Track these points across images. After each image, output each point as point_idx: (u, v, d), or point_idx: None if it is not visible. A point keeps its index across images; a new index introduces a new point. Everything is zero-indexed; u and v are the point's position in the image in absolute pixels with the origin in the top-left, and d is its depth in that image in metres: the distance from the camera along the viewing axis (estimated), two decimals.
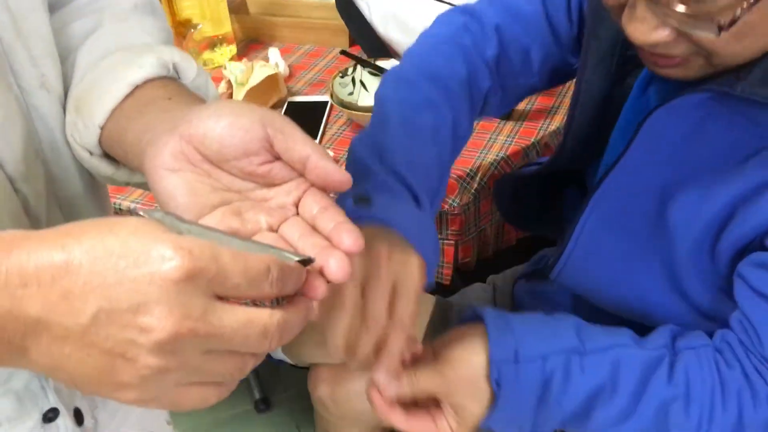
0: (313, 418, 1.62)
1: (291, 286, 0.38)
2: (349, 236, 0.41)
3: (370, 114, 1.09)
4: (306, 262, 0.39)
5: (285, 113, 1.21)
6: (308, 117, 1.20)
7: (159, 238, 0.33)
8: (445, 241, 1.06)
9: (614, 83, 0.72)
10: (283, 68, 1.31)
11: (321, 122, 1.18)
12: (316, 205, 0.43)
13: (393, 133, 0.69)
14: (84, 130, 0.51)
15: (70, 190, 0.56)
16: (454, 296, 1.07)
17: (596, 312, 0.75)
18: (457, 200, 1.03)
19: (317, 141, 1.14)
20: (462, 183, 1.04)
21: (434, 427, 0.63)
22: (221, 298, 0.35)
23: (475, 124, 1.16)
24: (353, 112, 1.12)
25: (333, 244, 0.41)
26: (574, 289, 0.77)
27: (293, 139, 0.42)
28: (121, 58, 0.52)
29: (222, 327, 0.34)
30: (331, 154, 1.10)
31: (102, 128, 0.50)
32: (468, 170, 1.05)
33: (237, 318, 0.35)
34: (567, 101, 1.22)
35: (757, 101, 0.54)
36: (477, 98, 0.78)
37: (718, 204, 0.61)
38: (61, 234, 0.34)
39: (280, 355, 1.38)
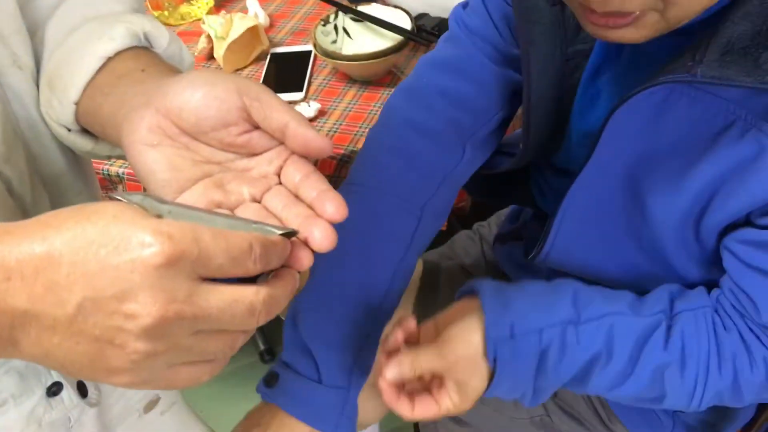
0: None
1: (275, 260, 0.38)
2: (332, 204, 0.41)
3: (355, 62, 1.09)
4: (290, 234, 0.39)
5: (269, 65, 1.19)
6: (292, 68, 1.18)
7: (138, 225, 0.33)
8: None
9: (561, 82, 0.70)
10: (263, 18, 1.28)
11: (306, 73, 1.16)
12: (298, 173, 0.43)
13: (314, 289, 0.72)
14: (59, 107, 0.50)
15: (52, 168, 0.55)
16: (443, 247, 1.07)
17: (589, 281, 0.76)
18: None
19: (303, 92, 1.12)
20: None
21: (437, 408, 0.65)
22: (206, 279, 0.35)
23: None
24: (338, 61, 1.10)
25: (316, 212, 0.41)
26: (562, 268, 0.76)
27: (270, 107, 0.41)
28: (90, 31, 0.51)
29: (208, 308, 0.34)
30: (318, 105, 1.08)
31: (77, 104, 0.49)
32: None
33: (223, 297, 0.35)
34: None
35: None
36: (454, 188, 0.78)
37: (694, 188, 0.59)
38: (41, 225, 0.34)
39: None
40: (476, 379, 0.65)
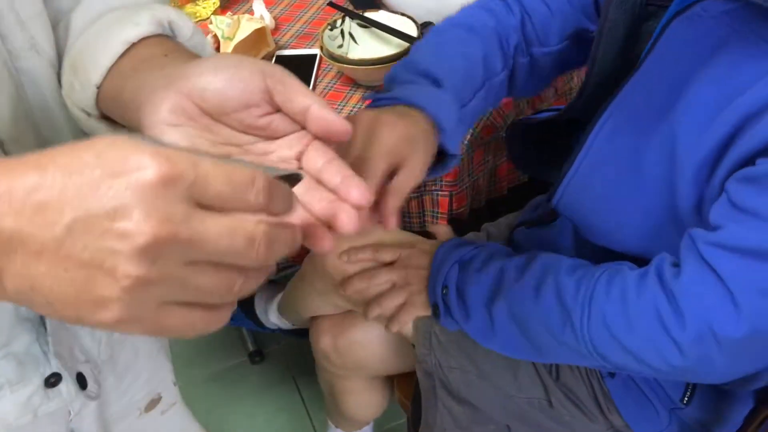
0: (308, 368, 1.66)
1: (280, 203, 0.36)
2: (357, 190, 0.41)
3: (361, 67, 1.10)
4: (294, 177, 0.38)
5: None
6: (297, 71, 1.19)
7: (137, 148, 0.32)
8: (440, 192, 1.07)
9: (637, 23, 0.73)
10: (268, 21, 1.29)
11: (311, 76, 1.17)
12: (320, 159, 0.43)
13: (423, 51, 0.76)
14: (80, 91, 0.50)
15: None
16: None
17: (597, 253, 0.78)
18: None
19: None
20: None
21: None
22: (204, 207, 0.34)
23: None
24: (343, 65, 1.12)
25: (340, 197, 0.41)
26: (573, 217, 0.80)
27: (293, 90, 0.42)
28: (115, 17, 0.51)
29: (205, 232, 0.33)
30: None
31: (98, 87, 0.50)
32: None
33: (221, 222, 0.33)
34: None
35: None
36: (506, 49, 0.82)
37: (725, 127, 0.61)
38: (36, 155, 0.33)
39: (273, 322, 1.40)
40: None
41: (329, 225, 0.41)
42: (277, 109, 0.43)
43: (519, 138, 0.97)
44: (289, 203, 0.36)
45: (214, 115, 0.43)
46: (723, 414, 0.83)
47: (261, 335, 1.71)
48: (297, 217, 0.40)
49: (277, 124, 0.43)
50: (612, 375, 0.87)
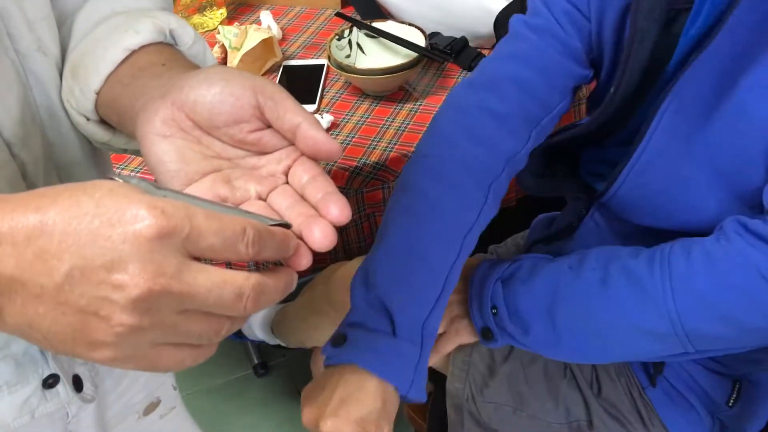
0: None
1: (270, 250, 0.37)
2: (336, 206, 0.41)
3: (369, 77, 1.10)
4: (283, 227, 0.39)
5: (281, 77, 1.20)
6: (305, 81, 1.19)
7: (133, 199, 0.33)
8: None
9: (664, 29, 0.72)
10: (276, 31, 1.29)
11: (318, 86, 1.17)
12: (305, 174, 0.43)
13: (383, 258, 0.73)
14: (80, 96, 0.51)
15: (68, 156, 0.56)
16: None
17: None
18: None
19: (316, 105, 1.13)
20: None
21: None
22: (197, 259, 0.35)
23: None
24: (351, 75, 1.12)
25: (320, 213, 0.41)
26: (625, 211, 0.78)
27: (284, 107, 0.42)
28: (117, 23, 0.51)
29: (196, 285, 0.34)
30: (331, 117, 1.09)
31: (97, 93, 0.50)
32: None
33: (211, 277, 0.35)
34: None
35: None
36: (496, 168, 0.79)
37: None
38: (37, 196, 0.34)
39: (258, 336, 1.38)
40: None
41: (304, 240, 0.41)
42: (268, 125, 0.43)
43: (532, 168, 0.94)
44: (281, 249, 0.38)
45: (205, 128, 0.43)
46: (755, 410, 0.83)
47: (266, 348, 1.70)
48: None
49: (268, 139, 0.44)
50: (653, 384, 0.86)
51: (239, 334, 1.45)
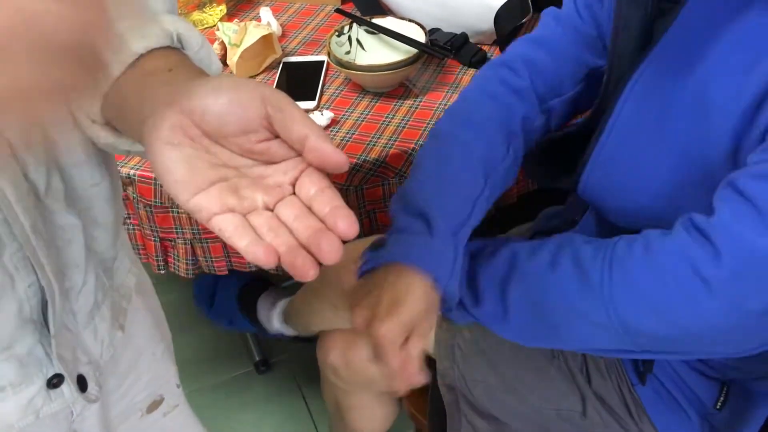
0: (314, 377, 1.65)
1: None
2: (344, 221, 0.40)
3: (369, 73, 1.10)
4: None
5: (281, 74, 1.20)
6: (305, 77, 1.19)
7: None
8: None
9: (649, 20, 0.74)
10: (275, 28, 1.29)
11: (318, 82, 1.17)
12: (313, 186, 0.43)
13: (419, 178, 0.79)
14: (87, 98, 0.50)
15: (71, 156, 0.56)
16: None
17: None
18: None
19: (316, 101, 1.13)
20: None
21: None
22: None
23: None
24: (351, 71, 1.11)
25: (328, 227, 0.41)
26: (596, 200, 0.79)
27: (292, 118, 0.41)
28: (124, 27, 0.51)
29: None
30: (331, 114, 1.09)
31: (104, 97, 0.49)
32: None
33: None
34: None
35: None
36: (514, 126, 0.84)
37: (763, 78, 0.61)
38: None
39: (276, 328, 1.39)
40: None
41: (313, 253, 0.40)
42: (276, 135, 0.43)
43: (536, 154, 0.95)
44: None
45: (213, 137, 0.43)
46: (746, 415, 0.82)
47: (267, 345, 1.70)
48: (282, 243, 0.41)
49: (275, 149, 0.43)
50: (643, 382, 0.86)
51: (260, 328, 1.46)
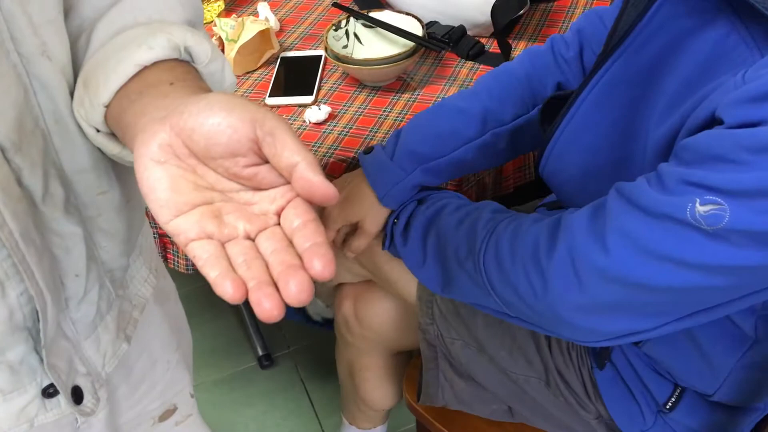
0: (318, 372, 1.65)
1: None
2: (320, 260, 0.38)
3: (366, 67, 1.10)
4: None
5: (278, 69, 1.20)
6: (302, 72, 1.19)
7: None
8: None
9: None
10: (273, 22, 1.29)
11: (316, 77, 1.17)
12: (297, 219, 0.41)
13: (416, 117, 0.93)
14: (89, 107, 0.50)
15: (76, 163, 0.54)
16: None
17: None
18: None
19: (313, 96, 1.13)
20: None
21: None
22: None
23: (472, 73, 1.16)
24: (348, 65, 1.11)
25: (304, 265, 0.39)
26: (553, 185, 0.83)
27: (282, 144, 0.40)
28: (132, 37, 0.50)
29: None
30: (329, 108, 1.09)
31: (106, 107, 0.49)
32: None
33: None
34: None
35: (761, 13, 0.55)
36: (539, 89, 0.91)
37: (687, 108, 0.61)
38: None
39: (316, 310, 1.41)
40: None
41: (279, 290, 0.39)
42: (265, 161, 0.41)
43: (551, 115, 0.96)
44: None
45: (201, 157, 0.41)
46: (723, 427, 0.82)
47: (270, 339, 1.71)
48: (253, 277, 0.39)
49: (264, 175, 0.42)
50: (601, 367, 0.87)
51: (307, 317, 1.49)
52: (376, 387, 1.22)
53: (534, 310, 0.71)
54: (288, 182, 0.41)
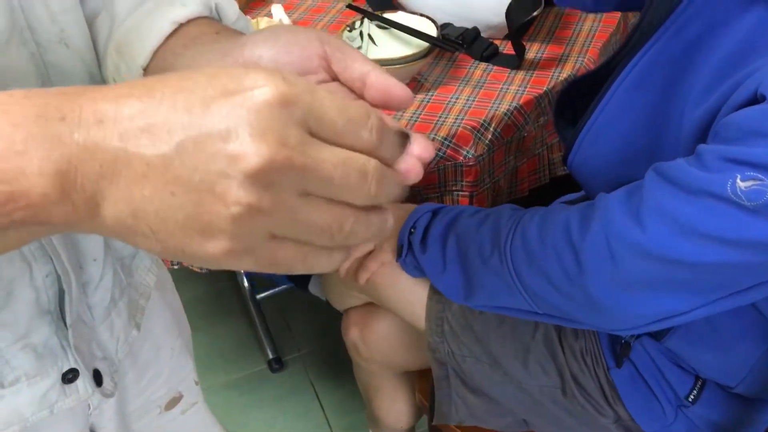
0: (328, 376, 1.65)
1: (389, 147, 0.34)
2: (420, 145, 0.37)
3: (382, 67, 1.09)
4: (403, 134, 0.36)
5: None
6: None
7: (251, 69, 0.31)
8: (460, 193, 1.06)
9: None
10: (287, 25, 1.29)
11: None
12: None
13: None
14: (126, 72, 0.50)
15: None
16: None
17: None
18: (472, 151, 1.03)
19: None
20: (476, 134, 1.04)
21: None
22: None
23: (486, 74, 1.16)
24: None
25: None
26: (583, 176, 0.82)
27: (351, 57, 0.41)
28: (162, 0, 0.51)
29: (321, 160, 0.30)
30: None
31: (145, 69, 0.49)
32: (482, 121, 1.04)
33: (335, 153, 0.31)
34: (576, 49, 1.21)
35: None
36: None
37: (725, 92, 0.61)
38: (145, 79, 0.32)
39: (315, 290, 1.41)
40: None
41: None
42: (334, 78, 0.42)
43: (566, 102, 0.95)
44: (398, 150, 0.34)
45: None
46: (743, 419, 0.81)
47: (280, 343, 1.70)
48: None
49: (334, 91, 0.42)
50: (619, 365, 0.86)
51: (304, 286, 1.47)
52: (390, 407, 1.23)
53: (567, 296, 0.70)
54: (359, 97, 0.41)
